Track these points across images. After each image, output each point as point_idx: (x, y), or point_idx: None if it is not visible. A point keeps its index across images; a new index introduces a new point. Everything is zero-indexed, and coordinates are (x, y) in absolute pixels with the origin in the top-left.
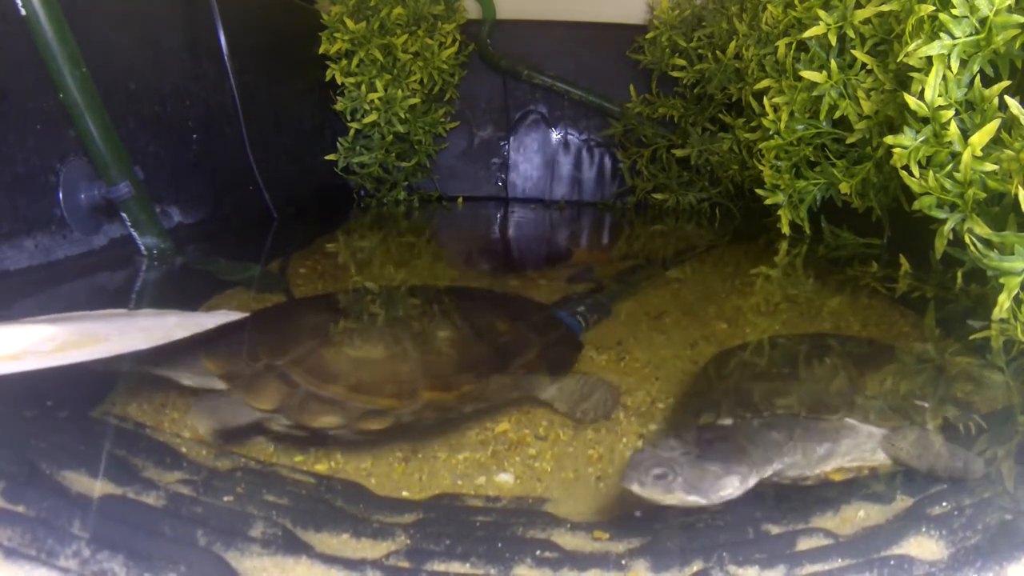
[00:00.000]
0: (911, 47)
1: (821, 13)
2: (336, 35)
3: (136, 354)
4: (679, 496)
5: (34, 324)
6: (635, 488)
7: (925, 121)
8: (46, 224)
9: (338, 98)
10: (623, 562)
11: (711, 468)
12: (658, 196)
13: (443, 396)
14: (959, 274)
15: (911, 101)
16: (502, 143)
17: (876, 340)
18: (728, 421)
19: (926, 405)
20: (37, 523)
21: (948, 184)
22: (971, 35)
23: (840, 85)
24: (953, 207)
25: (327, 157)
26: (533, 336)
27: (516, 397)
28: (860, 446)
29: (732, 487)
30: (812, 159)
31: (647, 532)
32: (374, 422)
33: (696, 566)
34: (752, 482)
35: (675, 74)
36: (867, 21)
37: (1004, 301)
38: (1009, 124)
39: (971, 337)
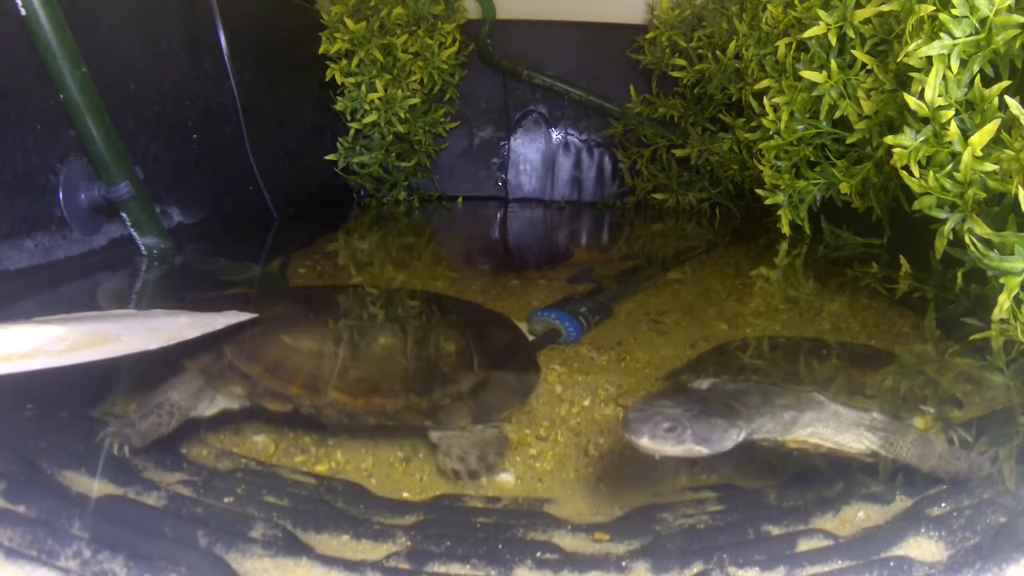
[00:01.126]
0: (911, 47)
1: (821, 13)
2: (336, 35)
3: (145, 354)
4: (688, 447)
5: (45, 324)
6: (644, 441)
7: (925, 121)
8: (46, 224)
9: (338, 98)
10: (624, 563)
11: (717, 421)
12: (658, 196)
13: (348, 401)
14: (959, 274)
15: (911, 101)
16: (502, 143)
17: (874, 346)
18: (705, 384)
19: (924, 407)
20: (37, 523)
21: (948, 184)
22: (971, 35)
23: (840, 85)
24: (953, 207)
25: (327, 157)
26: (479, 366)
27: (415, 427)
28: (824, 421)
29: (733, 439)
30: (812, 159)
31: (647, 533)
32: (273, 403)
33: (696, 567)
34: (743, 437)
35: (675, 74)
36: (867, 21)
37: (1004, 301)
38: (1009, 124)
39: (971, 338)
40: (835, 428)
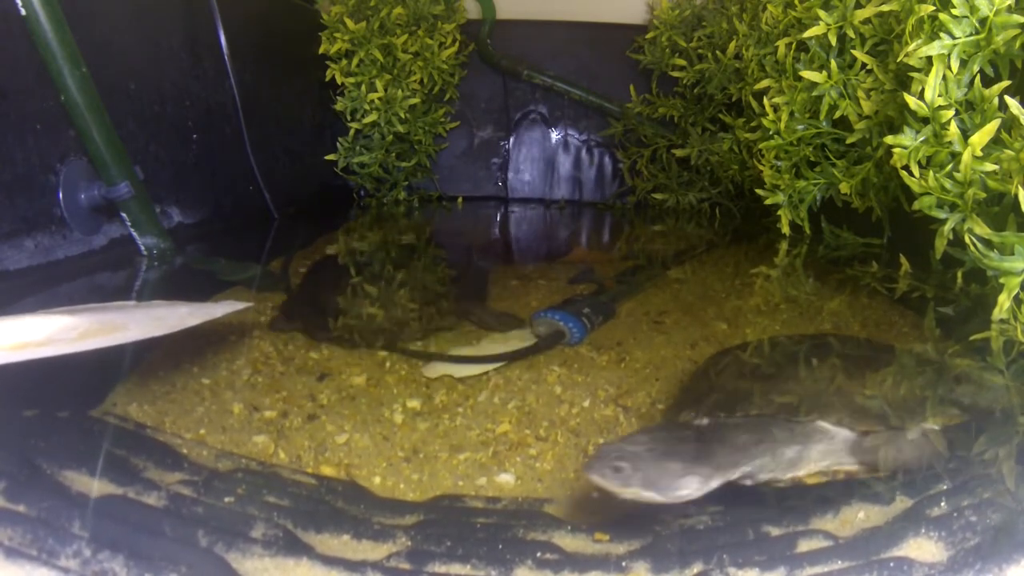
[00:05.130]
0: (911, 47)
1: (821, 13)
2: (336, 35)
3: (152, 340)
4: (635, 491)
5: (55, 315)
6: (595, 478)
7: (925, 121)
8: (46, 224)
9: (338, 98)
10: (623, 564)
11: (671, 466)
12: (658, 196)
13: None
14: (959, 274)
15: (911, 101)
16: (502, 143)
17: (874, 341)
18: (705, 421)
19: (919, 409)
20: (37, 523)
21: (948, 184)
22: (971, 35)
23: (840, 85)
24: (953, 207)
25: (327, 157)
26: None
27: None
28: (835, 451)
29: (691, 487)
30: (812, 159)
31: (647, 534)
32: None
33: (696, 568)
34: (715, 484)
35: (675, 74)
36: (867, 21)
37: (1004, 301)
38: (1009, 124)
39: (971, 338)
40: (847, 452)
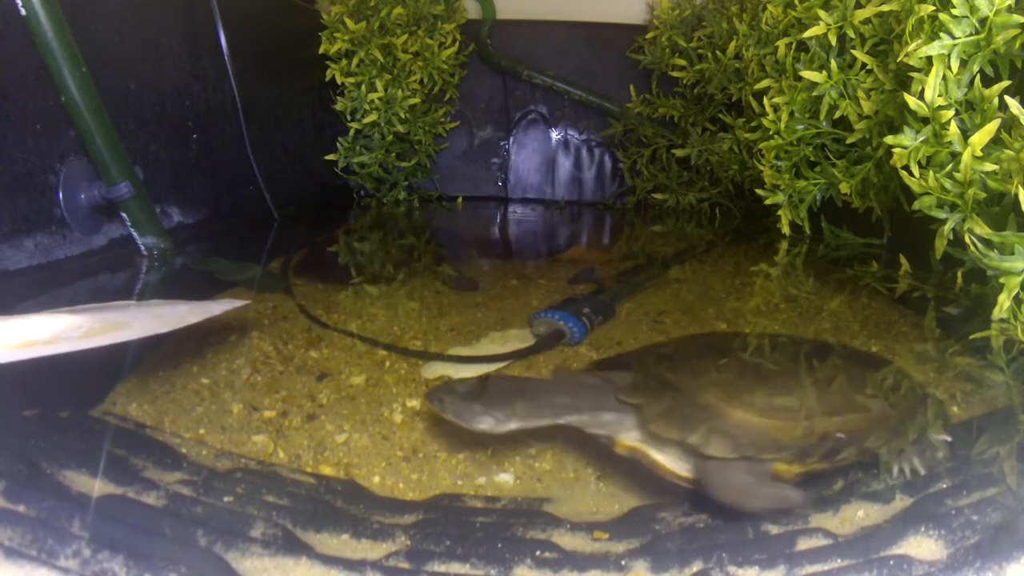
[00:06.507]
0: (911, 47)
1: (821, 13)
2: (336, 35)
3: (156, 337)
4: (450, 418)
5: (59, 314)
6: (428, 401)
7: (925, 121)
8: (46, 224)
9: (338, 98)
10: (623, 562)
11: (475, 406)
12: (658, 196)
13: None
14: (959, 274)
15: (911, 101)
16: (502, 143)
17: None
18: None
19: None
20: (37, 523)
21: (948, 184)
22: (971, 35)
23: (840, 85)
24: (953, 207)
25: (327, 157)
26: None
27: None
28: (642, 437)
29: (487, 424)
30: (812, 159)
31: (647, 532)
32: None
33: (696, 566)
34: (512, 426)
35: (675, 74)
36: (867, 21)
37: (1004, 301)
38: (1009, 124)
39: (971, 337)
40: (653, 445)
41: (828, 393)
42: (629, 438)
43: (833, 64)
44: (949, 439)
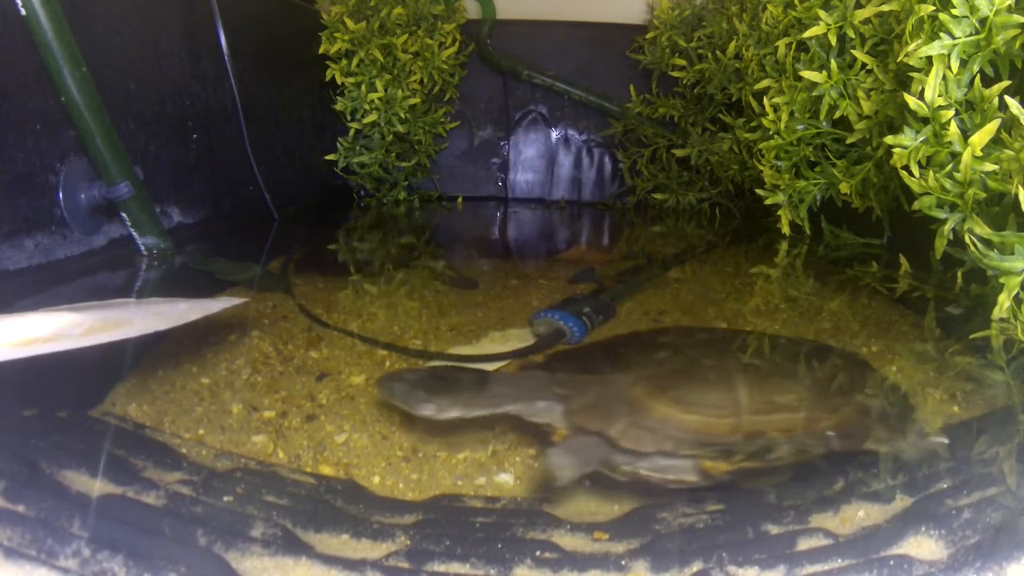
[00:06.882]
0: (911, 47)
1: (821, 13)
2: (336, 35)
3: (156, 337)
4: (397, 402)
5: (60, 312)
6: (378, 388)
7: (925, 121)
8: (46, 224)
9: (338, 98)
10: (623, 562)
11: (419, 393)
12: (658, 196)
13: None
14: (959, 274)
15: (911, 101)
16: (502, 143)
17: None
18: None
19: None
20: (37, 523)
21: (948, 184)
22: (971, 35)
23: (840, 85)
24: (953, 207)
25: (327, 157)
26: None
27: None
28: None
29: (429, 410)
30: (812, 159)
31: (647, 532)
32: None
33: (696, 566)
34: (453, 413)
35: (675, 74)
36: (867, 21)
37: (1004, 301)
38: (1009, 124)
39: (971, 337)
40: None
41: (762, 391)
42: (563, 427)
43: (833, 64)
44: (946, 440)
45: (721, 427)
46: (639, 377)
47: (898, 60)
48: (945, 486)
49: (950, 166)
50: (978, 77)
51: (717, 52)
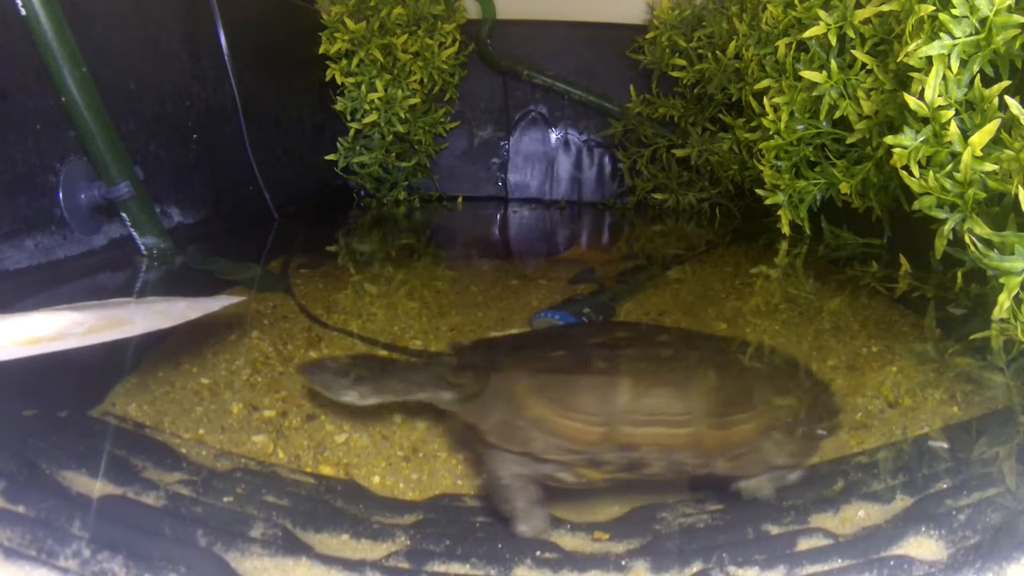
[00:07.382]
0: (911, 47)
1: (821, 13)
2: (336, 35)
3: (156, 336)
4: (319, 388)
5: (62, 311)
6: (300, 371)
7: (925, 121)
8: (46, 224)
9: (338, 98)
10: (623, 563)
11: (343, 380)
12: (658, 196)
13: None
14: (959, 274)
15: (911, 101)
16: (502, 143)
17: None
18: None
19: None
20: (37, 523)
21: (948, 184)
22: (971, 35)
23: (840, 85)
24: (953, 207)
25: (327, 157)
26: None
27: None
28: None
29: (351, 397)
30: (812, 159)
31: (647, 532)
32: None
33: (696, 566)
34: (372, 400)
35: (675, 74)
36: (867, 21)
37: (1004, 301)
38: (1009, 124)
39: (971, 337)
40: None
41: (648, 399)
42: (452, 417)
43: (833, 64)
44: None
45: (590, 436)
46: (528, 373)
47: (898, 60)
48: (945, 486)
49: (950, 166)
50: (978, 77)
51: (717, 52)
